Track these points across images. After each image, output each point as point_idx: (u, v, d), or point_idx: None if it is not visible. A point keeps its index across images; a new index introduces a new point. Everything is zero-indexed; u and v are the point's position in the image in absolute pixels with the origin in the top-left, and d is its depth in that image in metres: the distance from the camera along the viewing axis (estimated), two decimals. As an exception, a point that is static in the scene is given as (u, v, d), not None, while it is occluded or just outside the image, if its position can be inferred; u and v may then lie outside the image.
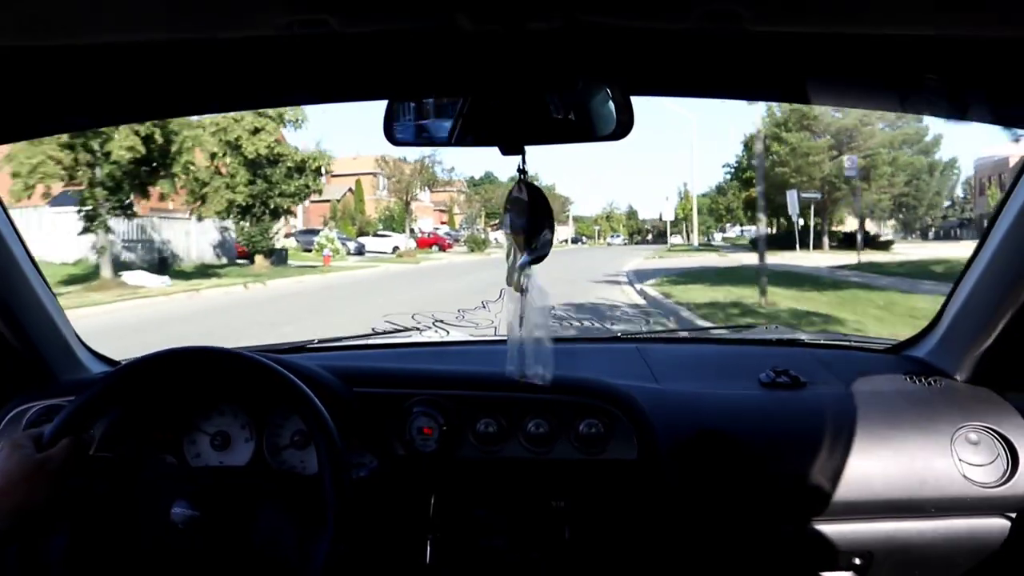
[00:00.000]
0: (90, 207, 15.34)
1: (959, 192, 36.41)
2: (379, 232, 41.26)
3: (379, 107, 1.21)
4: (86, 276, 16.44)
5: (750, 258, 26.66)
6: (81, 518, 1.23)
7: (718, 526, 1.55)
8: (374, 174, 39.93)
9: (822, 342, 2.08)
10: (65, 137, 13.63)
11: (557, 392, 1.49)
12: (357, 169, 47.12)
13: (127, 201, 16.37)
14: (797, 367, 1.71)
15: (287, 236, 33.82)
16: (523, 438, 1.52)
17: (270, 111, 19.51)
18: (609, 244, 65.14)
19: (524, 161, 1.21)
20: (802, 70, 1.14)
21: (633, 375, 1.72)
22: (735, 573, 1.60)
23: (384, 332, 2.13)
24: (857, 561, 1.55)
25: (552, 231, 1.24)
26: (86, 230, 15.82)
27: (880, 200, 32.29)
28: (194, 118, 17.18)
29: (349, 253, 31.70)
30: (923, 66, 1.05)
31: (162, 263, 20.46)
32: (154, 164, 16.08)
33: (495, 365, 1.48)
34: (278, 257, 23.49)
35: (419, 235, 42.53)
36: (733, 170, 45.78)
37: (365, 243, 36.23)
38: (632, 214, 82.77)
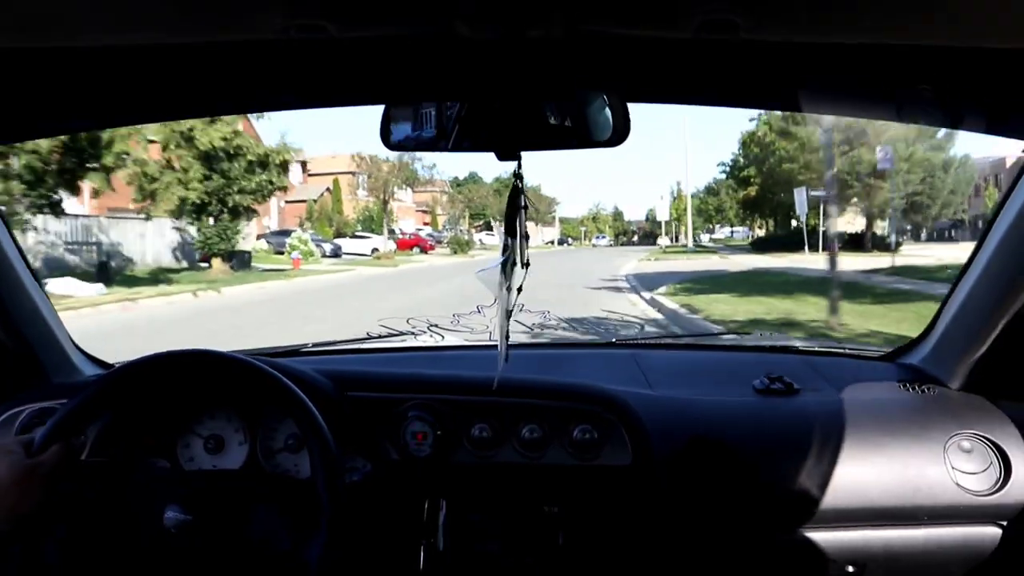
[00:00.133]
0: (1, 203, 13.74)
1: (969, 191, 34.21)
2: (357, 233, 40.39)
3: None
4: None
5: (754, 261, 24.96)
6: (75, 523, 1.24)
7: (711, 533, 1.58)
8: (353, 173, 39.43)
9: (816, 349, 2.11)
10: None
11: (551, 397, 1.55)
12: (335, 168, 46.30)
13: (56, 198, 15.14)
14: (791, 374, 1.74)
15: (259, 238, 33.17)
16: (517, 443, 1.55)
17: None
18: (594, 245, 64.66)
19: (520, 167, 1.23)
20: (798, 79, 1.17)
21: (628, 381, 1.75)
22: None
23: (379, 336, 2.16)
24: (850, 569, 1.58)
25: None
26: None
27: (892, 199, 29.75)
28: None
29: (324, 255, 31.04)
30: (917, 75, 1.08)
31: (102, 269, 18.72)
32: (84, 155, 14.88)
33: (490, 370, 1.52)
34: (240, 261, 22.16)
35: (399, 236, 41.79)
36: (729, 168, 44.69)
37: (342, 245, 35.23)
38: (618, 215, 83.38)
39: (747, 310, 10.37)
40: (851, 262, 21.62)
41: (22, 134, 1.49)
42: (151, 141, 18.91)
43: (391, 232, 40.21)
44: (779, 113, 31.79)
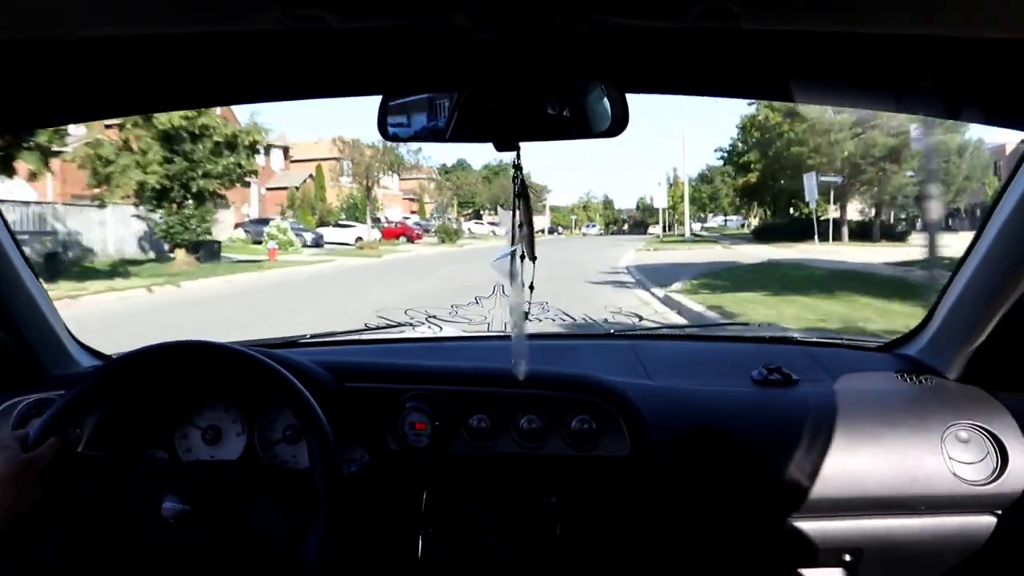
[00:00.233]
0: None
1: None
2: (341, 222, 39.25)
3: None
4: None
5: (761, 251, 23.93)
6: (73, 520, 1.27)
7: (709, 523, 1.63)
8: (337, 159, 38.48)
9: (815, 340, 2.14)
10: None
11: (550, 388, 1.59)
12: (319, 154, 45.09)
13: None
14: (789, 364, 1.78)
15: (236, 226, 32.26)
16: (516, 434, 1.59)
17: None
18: (584, 234, 63.58)
19: (519, 157, 1.27)
20: (797, 69, 1.19)
21: (626, 372, 1.79)
22: (726, 569, 1.68)
23: (377, 327, 2.17)
24: (847, 558, 1.63)
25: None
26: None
27: (906, 185, 28.04)
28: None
29: (305, 245, 30.25)
30: (916, 66, 1.10)
31: (50, 261, 17.70)
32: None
33: (488, 360, 1.60)
34: (208, 251, 20.78)
35: (385, 225, 40.86)
36: (727, 154, 43.14)
37: (324, 234, 34.23)
38: (608, 204, 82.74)
39: (795, 315, 8.76)
40: (867, 253, 20.12)
41: (24, 125, 1.53)
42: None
43: (376, 220, 39.41)
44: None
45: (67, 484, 1.27)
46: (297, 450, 1.50)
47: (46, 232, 19.87)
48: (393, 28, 0.96)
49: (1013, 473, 1.54)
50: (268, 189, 43.97)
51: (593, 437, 1.57)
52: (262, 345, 1.80)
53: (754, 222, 51.12)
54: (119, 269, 17.55)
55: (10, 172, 14.49)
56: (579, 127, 1.21)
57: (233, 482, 1.36)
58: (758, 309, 9.29)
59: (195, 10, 0.83)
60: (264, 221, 31.81)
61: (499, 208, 55.93)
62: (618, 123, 1.17)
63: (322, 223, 39.02)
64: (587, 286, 12.34)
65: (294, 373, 1.36)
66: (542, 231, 61.80)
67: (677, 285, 12.33)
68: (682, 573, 1.66)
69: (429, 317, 2.18)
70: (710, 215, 69.33)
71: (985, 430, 1.58)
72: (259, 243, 27.67)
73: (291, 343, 2.01)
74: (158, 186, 17.80)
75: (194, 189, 18.41)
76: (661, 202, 45.93)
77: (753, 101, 33.95)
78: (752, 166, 37.22)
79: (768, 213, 44.10)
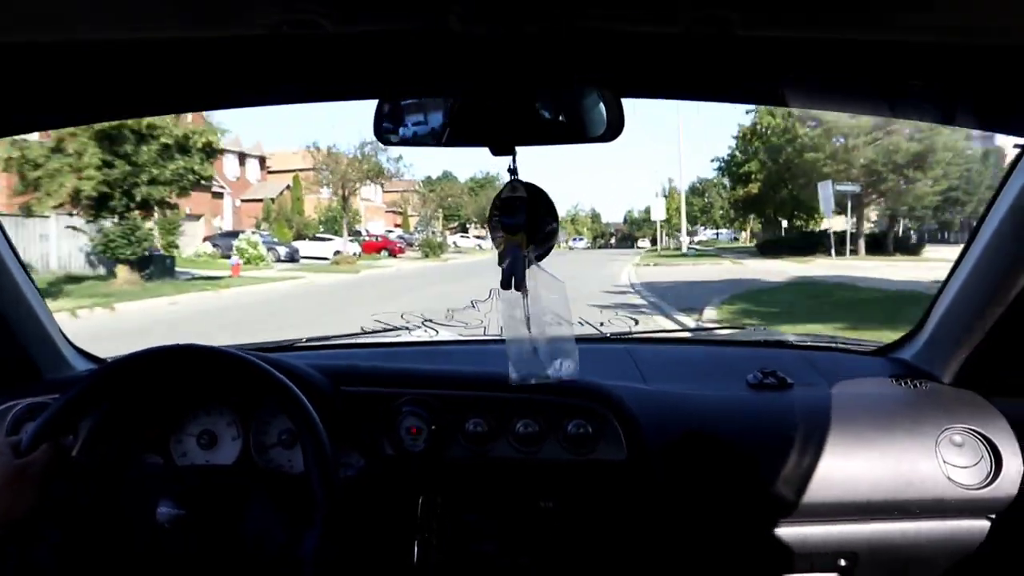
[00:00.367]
0: None
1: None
2: (318, 235, 38.11)
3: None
4: None
5: (774, 266, 21.92)
6: (68, 525, 1.29)
7: (705, 527, 1.67)
8: (316, 170, 36.37)
9: (810, 344, 2.17)
10: None
11: (546, 392, 1.61)
12: (298, 164, 43.46)
13: None
14: (784, 368, 1.81)
15: (205, 240, 31.00)
16: (512, 438, 1.62)
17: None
18: (571, 248, 61.49)
19: (515, 162, 1.30)
20: (791, 74, 1.21)
21: (622, 375, 1.83)
22: (721, 573, 1.71)
23: (373, 331, 2.19)
24: (842, 562, 1.66)
25: (556, 222, 1.35)
26: None
27: (927, 194, 26.13)
28: None
29: (279, 260, 29.08)
30: (910, 71, 1.13)
31: None
32: None
33: (484, 365, 1.63)
34: (160, 267, 19.36)
35: (366, 238, 39.85)
36: (725, 164, 41.82)
37: (300, 248, 33.03)
38: (595, 217, 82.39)
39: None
40: (895, 268, 17.97)
41: (22, 128, 1.51)
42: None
43: (356, 233, 38.43)
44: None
45: (62, 490, 1.29)
46: (293, 454, 1.53)
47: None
48: (389, 32, 0.98)
49: (1007, 477, 1.58)
50: (243, 201, 43.02)
51: (589, 441, 1.60)
52: (257, 349, 1.87)
53: (744, 235, 50.45)
54: (55, 288, 15.66)
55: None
56: (575, 132, 1.24)
57: (228, 487, 1.39)
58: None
59: (189, 14, 0.85)
60: (235, 234, 30.49)
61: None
62: (613, 128, 1.20)
63: (300, 236, 38.07)
64: (591, 310, 10.29)
65: (290, 377, 1.39)
66: (529, 245, 60.26)
67: (712, 312, 10.13)
68: None
69: (425, 321, 2.22)
70: (700, 228, 68.66)
71: (979, 434, 1.62)
72: (228, 257, 26.31)
73: (287, 347, 2.04)
74: (95, 193, 15.92)
75: (138, 197, 16.58)
76: (659, 214, 44.34)
77: (752, 109, 32.49)
78: (753, 176, 35.84)
79: (762, 226, 43.22)
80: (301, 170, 42.22)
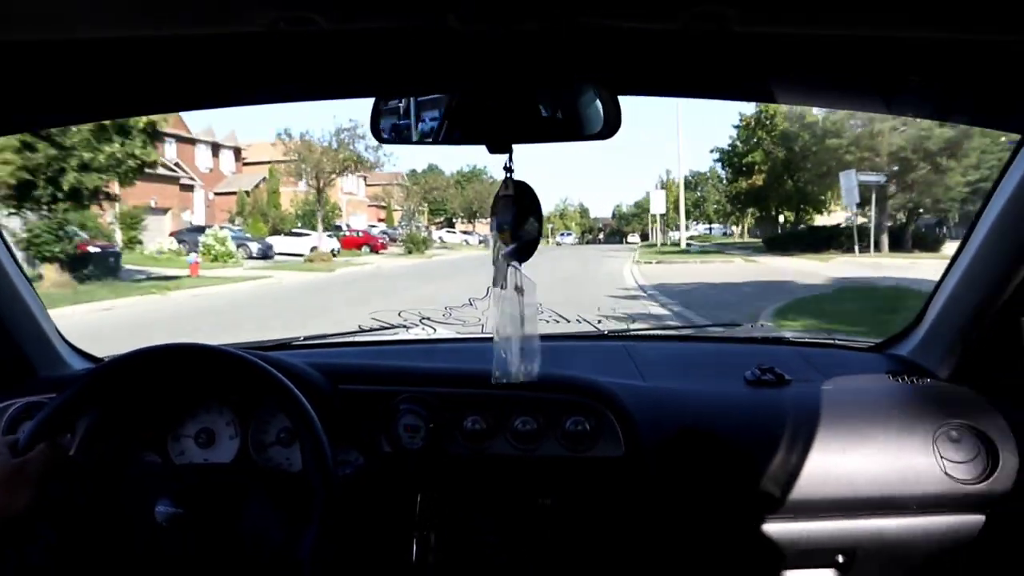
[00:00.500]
0: None
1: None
2: (295, 230, 36.64)
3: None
4: None
5: (800, 266, 20.08)
6: (66, 522, 1.31)
7: (702, 524, 1.71)
8: (294, 161, 34.49)
9: (807, 340, 2.21)
10: None
11: (544, 389, 1.64)
12: (274, 156, 41.32)
13: None
14: (782, 365, 1.84)
15: (172, 235, 29.37)
16: (510, 435, 1.65)
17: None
18: (559, 243, 60.50)
19: (511, 159, 1.30)
20: (788, 71, 1.23)
21: (620, 373, 1.85)
22: (719, 570, 1.74)
23: (371, 329, 2.20)
24: (840, 558, 1.68)
25: (539, 221, 1.34)
26: None
27: (957, 185, 24.23)
28: None
29: (250, 256, 27.53)
30: (907, 67, 1.14)
31: None
32: None
33: (483, 362, 1.61)
34: (103, 266, 17.59)
35: (345, 233, 38.27)
36: (725, 155, 40.08)
37: (274, 244, 31.57)
38: (584, 212, 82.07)
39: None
40: (933, 267, 15.77)
41: (22, 127, 1.50)
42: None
43: (336, 228, 37.08)
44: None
45: (59, 489, 1.31)
46: (291, 453, 1.55)
47: None
48: (385, 30, 1.00)
49: (1003, 472, 1.60)
50: (216, 194, 41.84)
51: (587, 438, 1.63)
52: (255, 347, 1.89)
53: (737, 231, 49.54)
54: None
55: None
56: (572, 129, 1.24)
57: (227, 485, 1.42)
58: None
59: (186, 12, 0.86)
60: (203, 229, 29.04)
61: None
62: (610, 125, 1.20)
63: (275, 231, 36.97)
64: (607, 322, 7.97)
65: (288, 375, 1.41)
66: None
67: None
68: (675, 574, 1.73)
69: (423, 319, 2.24)
70: (693, 223, 68.03)
71: (976, 430, 1.64)
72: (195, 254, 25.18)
73: (284, 345, 2.07)
74: (14, 181, 14.00)
75: (66, 186, 14.66)
76: (659, 207, 43.47)
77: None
78: (757, 167, 34.68)
79: (758, 221, 42.82)
80: (278, 162, 40.73)
